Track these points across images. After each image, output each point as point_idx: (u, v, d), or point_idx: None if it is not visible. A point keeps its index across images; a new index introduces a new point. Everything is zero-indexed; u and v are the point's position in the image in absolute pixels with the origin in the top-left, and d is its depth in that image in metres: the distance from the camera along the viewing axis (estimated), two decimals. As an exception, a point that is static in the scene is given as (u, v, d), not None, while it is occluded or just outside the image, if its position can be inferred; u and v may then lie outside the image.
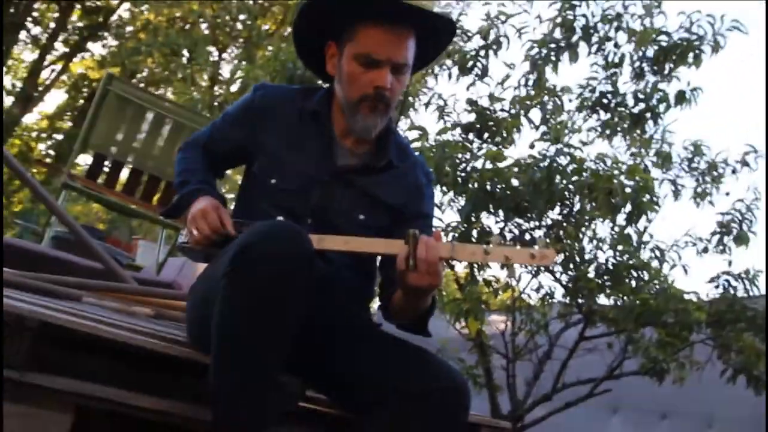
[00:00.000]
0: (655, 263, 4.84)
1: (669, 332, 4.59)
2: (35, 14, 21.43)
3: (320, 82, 2.42)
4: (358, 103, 2.03)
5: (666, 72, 4.86)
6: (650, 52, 4.88)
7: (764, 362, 4.42)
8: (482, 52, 4.96)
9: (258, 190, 2.14)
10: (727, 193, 5.09)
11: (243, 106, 2.26)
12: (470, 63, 4.97)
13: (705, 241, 4.91)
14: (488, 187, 4.50)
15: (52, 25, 21.53)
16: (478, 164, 4.56)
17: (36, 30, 22.17)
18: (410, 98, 5.19)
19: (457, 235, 4.66)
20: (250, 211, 2.11)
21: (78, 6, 21.29)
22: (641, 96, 4.95)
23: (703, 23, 4.74)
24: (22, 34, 21.04)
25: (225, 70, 18.21)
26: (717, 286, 4.71)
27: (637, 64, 4.94)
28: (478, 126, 4.88)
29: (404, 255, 1.81)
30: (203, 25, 17.23)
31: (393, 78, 2.01)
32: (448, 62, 5.07)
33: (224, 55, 18.09)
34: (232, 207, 2.29)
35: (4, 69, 21.06)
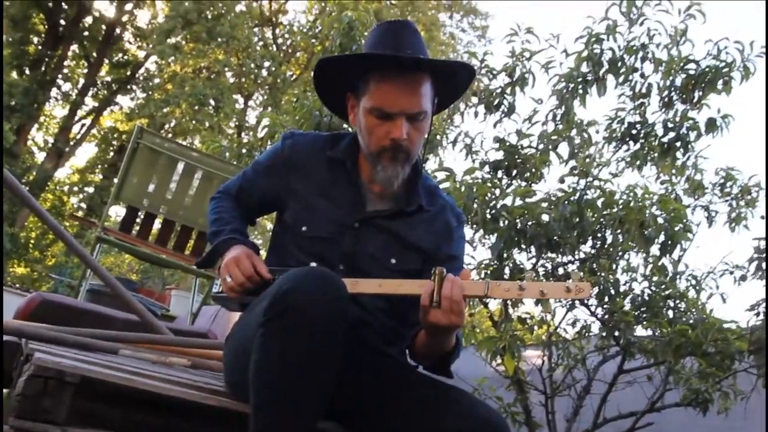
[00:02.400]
0: (691, 293, 4.78)
1: (710, 362, 4.51)
2: (65, 71, 21.85)
3: (346, 126, 2.45)
4: (378, 155, 2.07)
5: (695, 100, 4.83)
6: (678, 81, 4.85)
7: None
8: (508, 89, 4.97)
9: (290, 238, 2.16)
10: (763, 216, 5.03)
11: (272, 156, 2.29)
12: (496, 101, 4.98)
13: (742, 269, 4.84)
14: (519, 224, 4.47)
15: (82, 80, 21.95)
16: (508, 201, 4.55)
17: (66, 86, 22.63)
18: (437, 137, 5.20)
19: (489, 272, 4.63)
20: (282, 259, 2.14)
21: (106, 61, 21.71)
22: (671, 125, 4.91)
23: (732, 50, 4.71)
24: (53, 91, 21.44)
25: (251, 117, 18.46)
26: (757, 314, 4.63)
27: (666, 93, 4.91)
28: (506, 163, 4.87)
29: (429, 291, 1.82)
30: (228, 74, 17.49)
31: (410, 126, 2.03)
32: (474, 100, 5.09)
33: (250, 102, 18.34)
34: (263, 253, 2.31)
35: (36, 126, 21.42)
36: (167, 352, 2.63)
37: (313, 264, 2.02)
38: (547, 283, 1.79)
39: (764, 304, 4.56)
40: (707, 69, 4.76)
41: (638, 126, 5.01)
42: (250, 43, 16.83)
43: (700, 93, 4.83)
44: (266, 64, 17.47)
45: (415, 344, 2.06)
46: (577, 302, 4.78)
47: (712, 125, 4.86)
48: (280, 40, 18.18)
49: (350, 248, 2.09)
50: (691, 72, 4.81)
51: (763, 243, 4.78)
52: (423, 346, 2.02)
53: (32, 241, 21.80)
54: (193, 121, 16.98)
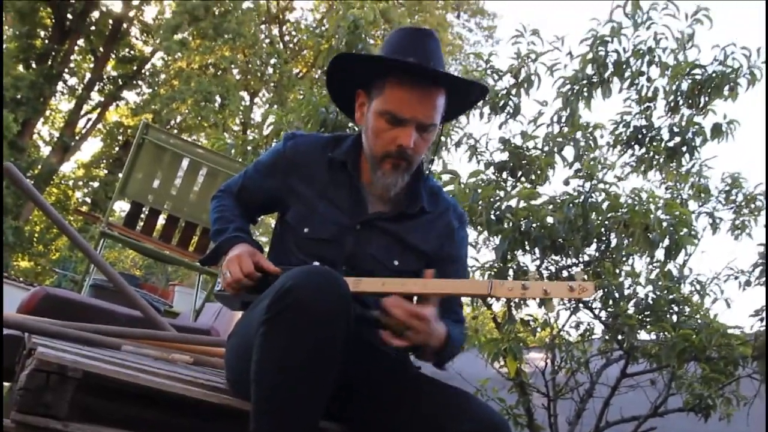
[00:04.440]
0: (696, 297, 4.77)
1: (713, 367, 4.50)
2: (72, 65, 21.88)
3: (352, 125, 2.46)
4: (381, 159, 2.06)
5: (701, 105, 4.82)
6: (684, 86, 4.83)
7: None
8: (513, 91, 4.96)
9: (291, 239, 2.16)
10: (767, 225, 5.02)
11: (274, 156, 2.29)
12: (501, 102, 4.97)
13: (747, 274, 4.82)
14: (523, 226, 4.46)
15: (88, 75, 21.98)
16: (512, 203, 4.53)
17: (72, 81, 22.66)
18: (442, 138, 5.19)
19: (492, 274, 4.62)
20: (284, 259, 2.13)
21: (113, 56, 21.73)
22: (676, 130, 4.90)
23: (738, 56, 4.70)
24: (60, 85, 21.47)
25: (256, 114, 18.46)
26: (761, 319, 4.61)
27: (672, 97, 4.89)
28: (511, 164, 4.86)
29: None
30: (234, 71, 17.49)
31: (418, 136, 2.04)
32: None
33: (256, 100, 18.33)
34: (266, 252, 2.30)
35: (41, 120, 21.46)
36: (170, 349, 2.65)
37: (316, 263, 2.02)
38: (551, 283, 1.79)
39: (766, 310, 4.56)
40: (714, 74, 4.74)
41: (644, 130, 4.99)
42: (256, 41, 16.83)
43: (707, 98, 4.81)
44: (272, 61, 17.46)
45: None
46: (580, 305, 4.78)
47: (717, 131, 4.85)
48: (286, 38, 18.20)
49: (352, 250, 2.09)
50: (698, 77, 4.79)
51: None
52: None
53: (36, 235, 21.84)
54: (199, 118, 16.98)
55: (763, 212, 5.03)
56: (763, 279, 4.74)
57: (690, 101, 4.84)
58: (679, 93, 4.86)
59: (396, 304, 1.86)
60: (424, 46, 2.08)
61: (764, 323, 4.52)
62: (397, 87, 2.02)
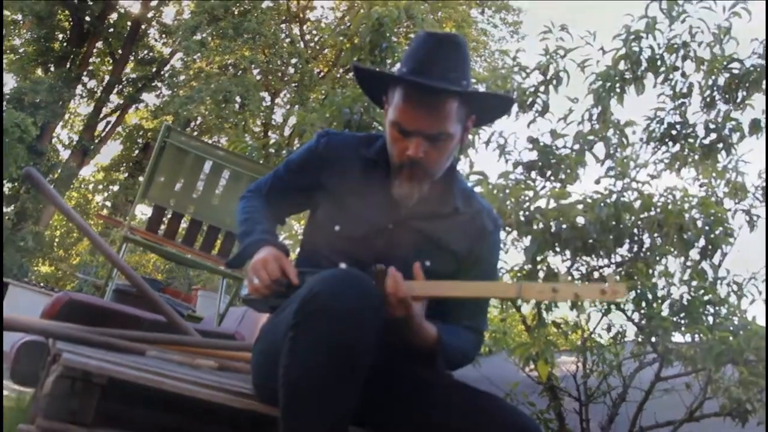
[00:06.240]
0: (732, 298, 4.67)
1: (752, 371, 4.40)
2: (90, 68, 22.02)
3: (376, 125, 2.50)
4: (398, 168, 2.07)
5: (738, 100, 4.73)
6: (721, 80, 4.75)
7: None
8: (542, 88, 4.89)
9: (322, 237, 2.15)
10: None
11: (306, 153, 2.28)
12: (530, 99, 4.90)
13: (786, 274, 4.71)
14: (553, 227, 4.40)
15: (107, 77, 22.12)
16: (542, 203, 4.47)
17: (91, 83, 22.81)
18: (470, 137, 5.12)
19: (522, 276, 4.56)
20: (313, 259, 2.13)
21: (131, 58, 21.85)
22: (712, 126, 4.81)
23: (779, 48, 4.60)
24: (78, 88, 21.61)
25: (277, 115, 18.50)
26: (798, 320, 4.52)
27: (708, 92, 4.81)
28: (540, 164, 4.80)
29: None
30: (255, 71, 17.52)
31: (428, 145, 2.02)
32: (507, 99, 5.01)
33: (276, 100, 18.35)
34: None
35: (61, 123, 21.62)
36: (194, 354, 2.66)
37: (344, 265, 2.03)
38: (582, 285, 1.80)
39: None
40: (752, 68, 4.66)
41: (678, 126, 4.92)
42: (276, 40, 16.85)
43: (744, 93, 4.72)
44: (293, 60, 17.49)
45: None
46: (612, 306, 4.71)
47: (756, 126, 4.76)
48: (307, 37, 18.21)
49: (384, 249, 2.08)
50: (735, 71, 4.70)
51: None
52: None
53: (57, 240, 21.99)
54: (219, 119, 17.04)
55: None
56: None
57: (727, 96, 4.75)
58: (715, 88, 4.78)
59: (394, 277, 1.85)
60: (435, 54, 2.06)
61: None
62: (403, 99, 2.03)
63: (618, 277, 4.29)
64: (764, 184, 4.87)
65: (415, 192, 2.09)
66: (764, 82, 4.64)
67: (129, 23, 22.21)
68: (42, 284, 15.15)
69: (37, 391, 1.80)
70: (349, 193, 2.16)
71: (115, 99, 22.82)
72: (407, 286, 1.88)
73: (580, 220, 4.39)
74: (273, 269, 1.98)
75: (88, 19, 21.31)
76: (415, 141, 2.01)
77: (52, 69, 20.56)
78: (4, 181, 16.84)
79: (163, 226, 5.41)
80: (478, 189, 4.48)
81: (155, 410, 1.84)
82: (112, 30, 22.32)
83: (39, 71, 20.28)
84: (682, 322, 4.55)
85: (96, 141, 21.96)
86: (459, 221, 2.18)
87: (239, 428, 1.92)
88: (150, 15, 22.72)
